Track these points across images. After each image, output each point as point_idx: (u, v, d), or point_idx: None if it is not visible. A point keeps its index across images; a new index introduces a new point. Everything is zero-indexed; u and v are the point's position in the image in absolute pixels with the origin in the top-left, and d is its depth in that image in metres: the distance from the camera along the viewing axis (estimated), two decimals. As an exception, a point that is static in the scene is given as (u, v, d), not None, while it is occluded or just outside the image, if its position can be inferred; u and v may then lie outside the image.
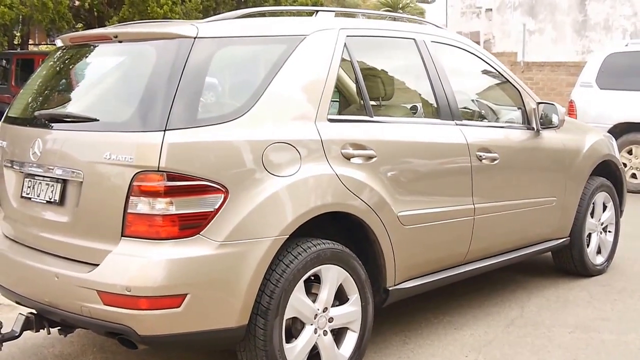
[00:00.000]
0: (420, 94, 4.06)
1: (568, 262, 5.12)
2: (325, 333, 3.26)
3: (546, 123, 4.56)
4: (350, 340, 3.38)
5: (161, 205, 2.81)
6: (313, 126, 3.26)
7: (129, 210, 2.85)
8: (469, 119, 4.21)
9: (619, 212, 5.45)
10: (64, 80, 3.62)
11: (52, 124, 3.26)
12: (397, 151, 3.61)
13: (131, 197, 2.84)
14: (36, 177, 3.27)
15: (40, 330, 3.29)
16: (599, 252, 5.27)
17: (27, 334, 3.33)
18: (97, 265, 2.91)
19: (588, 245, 5.13)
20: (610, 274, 5.30)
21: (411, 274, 3.73)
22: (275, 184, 3.03)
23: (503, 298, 4.73)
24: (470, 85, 4.55)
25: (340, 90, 3.45)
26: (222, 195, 2.89)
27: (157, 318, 2.80)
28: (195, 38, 3.02)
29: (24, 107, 3.60)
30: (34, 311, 3.28)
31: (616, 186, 5.37)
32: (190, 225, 2.84)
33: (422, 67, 3.95)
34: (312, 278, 3.22)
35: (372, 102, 3.64)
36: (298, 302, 3.13)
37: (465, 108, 4.26)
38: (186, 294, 2.81)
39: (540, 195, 4.60)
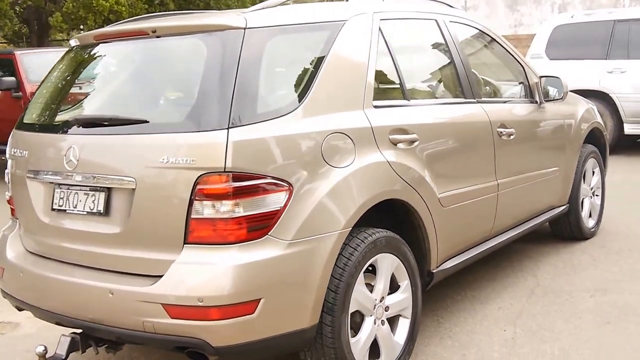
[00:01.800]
0: (446, 75, 4.02)
1: (565, 227, 5.25)
2: (382, 323, 3.21)
3: (551, 96, 4.64)
4: (404, 327, 3.35)
5: (228, 208, 2.66)
6: (362, 113, 3.17)
7: (193, 216, 2.69)
8: (486, 96, 4.23)
9: (604, 176, 5.63)
10: (93, 82, 3.35)
11: (90, 129, 3.02)
12: (434, 133, 3.58)
13: (195, 202, 2.67)
14: (71, 187, 3.04)
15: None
16: (590, 215, 5.43)
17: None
18: (159, 276, 2.74)
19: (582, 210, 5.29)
20: (602, 236, 5.48)
21: (448, 255, 3.72)
22: (335, 176, 2.94)
23: (513, 268, 4.81)
24: (483, 62, 4.56)
25: (377, 74, 3.35)
26: (287, 192, 2.77)
27: (231, 327, 2.66)
28: (245, 29, 2.85)
29: (46, 113, 3.34)
30: (76, 330, 3.08)
31: (601, 152, 5.54)
32: (259, 227, 2.71)
33: (445, 48, 3.95)
34: (370, 268, 3.15)
35: (407, 86, 3.57)
36: (360, 295, 3.06)
37: (481, 85, 4.27)
38: (260, 299, 2.69)
39: (547, 166, 4.68)
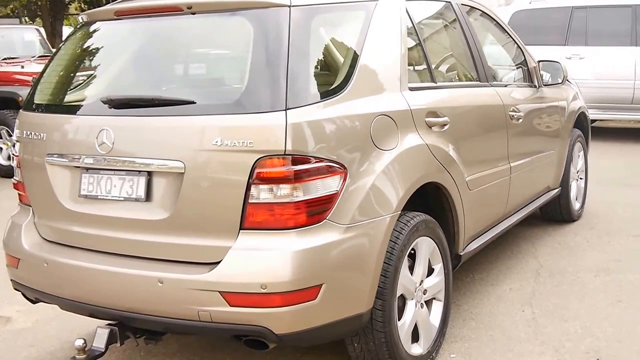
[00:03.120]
0: (463, 57, 4.01)
1: (555, 210, 5.37)
2: (421, 306, 3.20)
3: (551, 80, 4.72)
4: (438, 310, 3.35)
5: (287, 192, 2.58)
6: (401, 96, 3.13)
7: (250, 200, 2.59)
8: (496, 80, 4.26)
9: (587, 159, 5.79)
10: (117, 60, 3.16)
11: (124, 110, 2.85)
12: (461, 117, 3.58)
13: (252, 186, 2.57)
14: (103, 172, 2.88)
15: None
16: (576, 198, 5.57)
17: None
18: (213, 264, 2.63)
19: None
20: (588, 218, 5.64)
21: (472, 237, 3.74)
22: (384, 159, 2.89)
23: (512, 250, 4.89)
24: (491, 46, 4.58)
25: (409, 56, 3.31)
26: (342, 176, 2.71)
27: (294, 313, 2.59)
28: (290, 7, 2.75)
29: (64, 93, 3.15)
30: (111, 322, 2.93)
31: (585, 136, 5.69)
32: (317, 211, 2.63)
33: (461, 31, 3.94)
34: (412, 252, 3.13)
35: (433, 68, 3.55)
36: (404, 279, 3.04)
37: (491, 69, 4.29)
38: (321, 285, 2.62)
39: (546, 149, 4.77)
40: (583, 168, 5.68)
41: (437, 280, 3.31)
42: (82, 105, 3.06)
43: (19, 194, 3.34)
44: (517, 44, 4.69)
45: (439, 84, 3.54)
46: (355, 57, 2.95)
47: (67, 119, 3.04)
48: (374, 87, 3.01)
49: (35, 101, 3.22)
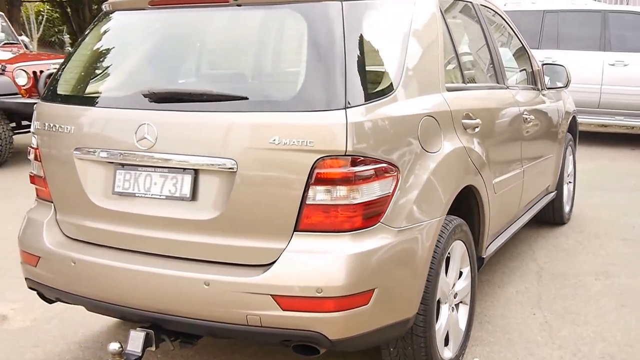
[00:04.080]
0: (485, 59, 4.01)
1: (548, 213, 5.46)
2: (452, 309, 3.20)
3: (556, 83, 4.77)
4: (464, 313, 3.35)
5: (346, 194, 2.51)
6: (441, 96, 3.10)
7: (308, 202, 2.51)
8: (510, 83, 4.28)
9: (576, 163, 5.90)
10: (153, 52, 3.02)
11: (168, 104, 2.71)
12: (490, 119, 3.58)
13: (311, 187, 2.50)
14: (141, 168, 2.76)
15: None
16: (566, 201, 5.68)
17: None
18: (264, 266, 2.55)
19: (560, 196, 5.52)
20: (576, 221, 5.77)
21: (491, 240, 3.76)
22: (430, 161, 2.87)
23: (511, 252, 4.95)
24: (503, 48, 4.59)
25: (444, 55, 3.28)
26: (395, 177, 2.66)
27: (348, 318, 2.53)
28: (342, 1, 2.67)
29: (94, 84, 2.99)
30: (144, 325, 2.82)
31: (574, 139, 5.80)
32: (373, 214, 2.58)
33: (481, 32, 3.93)
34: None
35: (463, 69, 3.53)
36: (443, 283, 3.02)
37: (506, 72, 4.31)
38: (374, 289, 2.58)
39: (548, 152, 4.84)
40: (572, 172, 5.80)
41: (465, 283, 3.31)
42: (117, 98, 2.90)
43: (36, 189, 3.17)
44: (523, 45, 4.72)
45: (468, 84, 3.53)
46: (403, 55, 2.90)
47: (99, 111, 2.88)
48: (419, 86, 2.97)
49: (59, 92, 3.05)
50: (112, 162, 2.81)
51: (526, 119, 4.15)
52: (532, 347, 3.50)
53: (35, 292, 3.13)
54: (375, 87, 2.71)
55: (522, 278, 4.46)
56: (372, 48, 2.81)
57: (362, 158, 2.52)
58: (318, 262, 2.51)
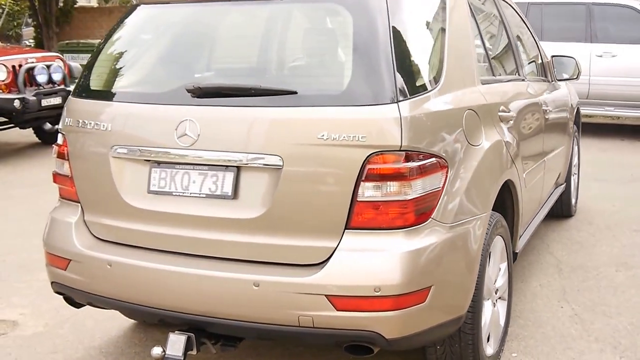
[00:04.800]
0: (507, 52, 3.94)
1: (556, 205, 5.39)
2: (494, 305, 3.12)
3: (563, 75, 4.73)
4: (503, 309, 3.28)
5: (399, 189, 2.42)
6: (478, 90, 3.03)
7: (359, 199, 2.41)
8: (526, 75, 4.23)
9: (580, 155, 5.89)
10: (191, 46, 2.89)
11: (210, 99, 2.58)
12: (520, 112, 3.53)
13: (362, 183, 2.40)
14: (178, 166, 2.63)
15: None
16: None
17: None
18: (313, 265, 2.45)
19: (567, 188, 5.49)
20: (582, 213, 5.74)
21: (519, 234, 3.69)
22: (475, 155, 2.79)
23: (525, 246, 4.87)
24: (518, 40, 4.54)
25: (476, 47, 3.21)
26: (445, 172, 2.57)
27: (405, 317, 2.44)
28: None
29: (130, 79, 2.86)
30: (182, 328, 2.69)
31: (578, 131, 5.78)
32: (425, 209, 2.49)
33: (502, 25, 3.88)
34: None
35: (492, 62, 3.47)
36: (488, 279, 2.95)
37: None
38: (430, 287, 2.49)
39: (560, 144, 4.80)
40: (577, 163, 5.78)
41: (504, 279, 3.24)
42: (157, 94, 2.77)
43: (60, 188, 3.02)
44: (533, 37, 4.67)
45: (497, 77, 3.46)
46: (443, 48, 2.83)
47: (138, 107, 2.74)
48: (459, 80, 2.89)
49: (93, 87, 2.91)
50: (148, 160, 2.68)
51: (545, 110, 4.10)
52: (568, 341, 3.44)
53: (62, 296, 2.99)
54: (421, 80, 2.63)
55: (543, 272, 4.41)
56: (416, 41, 2.73)
57: (415, 153, 2.43)
58: (374, 261, 2.41)
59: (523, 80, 3.97)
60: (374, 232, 2.44)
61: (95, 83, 2.94)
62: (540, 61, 4.68)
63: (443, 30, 2.90)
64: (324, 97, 2.49)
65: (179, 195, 2.63)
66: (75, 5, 21.93)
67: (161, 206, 2.67)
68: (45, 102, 8.33)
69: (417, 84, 2.57)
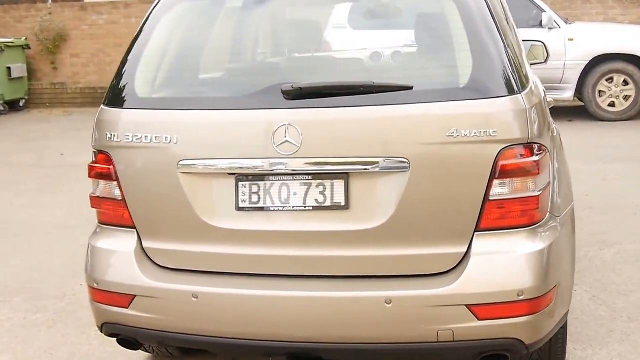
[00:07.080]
0: (518, 40, 3.92)
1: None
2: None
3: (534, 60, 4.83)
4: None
5: (528, 185, 2.31)
6: (536, 78, 2.97)
7: (491, 198, 2.27)
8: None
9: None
10: (273, 41, 2.58)
11: (309, 100, 2.30)
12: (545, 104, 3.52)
13: (495, 180, 2.26)
14: (273, 178, 2.34)
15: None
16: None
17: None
18: (447, 273, 2.28)
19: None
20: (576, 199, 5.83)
21: None
22: (556, 144, 2.80)
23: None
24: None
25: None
26: (552, 163, 2.51)
27: (541, 319, 2.34)
28: None
29: (194, 82, 2.51)
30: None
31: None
32: (545, 205, 2.40)
33: (504, 12, 3.85)
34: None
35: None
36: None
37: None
38: (556, 285, 2.40)
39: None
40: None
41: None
42: (237, 98, 2.44)
43: (101, 213, 2.60)
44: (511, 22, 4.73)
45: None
46: (517, 36, 2.76)
47: (213, 115, 2.40)
48: (529, 68, 2.83)
49: (141, 95, 2.51)
50: (233, 174, 2.36)
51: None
52: (606, 323, 3.50)
53: (115, 338, 2.58)
54: (524, 69, 2.56)
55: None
56: (509, 30, 2.64)
57: (538, 145, 2.34)
58: (513, 263, 2.30)
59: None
60: (502, 233, 2.32)
61: (142, 90, 2.54)
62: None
63: (508, 18, 2.84)
64: (444, 92, 2.32)
65: (277, 210, 2.35)
66: None
67: (254, 224, 2.37)
68: None
69: (524, 73, 2.49)
